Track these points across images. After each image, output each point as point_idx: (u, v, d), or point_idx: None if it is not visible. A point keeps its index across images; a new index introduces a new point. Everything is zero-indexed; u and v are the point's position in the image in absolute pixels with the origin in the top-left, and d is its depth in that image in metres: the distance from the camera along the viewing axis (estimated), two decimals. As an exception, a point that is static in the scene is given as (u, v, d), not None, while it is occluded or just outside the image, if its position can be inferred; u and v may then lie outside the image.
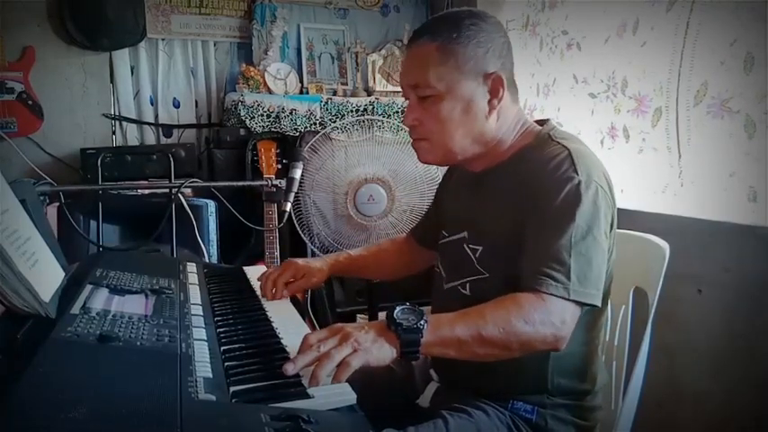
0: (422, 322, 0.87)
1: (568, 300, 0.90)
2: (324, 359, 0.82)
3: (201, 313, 1.07)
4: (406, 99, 1.09)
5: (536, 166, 1.00)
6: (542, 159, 1.00)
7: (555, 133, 1.06)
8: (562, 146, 1.01)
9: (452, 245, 1.13)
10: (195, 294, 1.18)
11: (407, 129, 1.10)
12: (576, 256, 0.91)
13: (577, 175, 0.95)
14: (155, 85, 2.73)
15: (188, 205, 2.12)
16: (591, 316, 1.04)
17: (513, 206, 1.01)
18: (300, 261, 1.32)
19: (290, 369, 0.82)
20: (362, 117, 2.51)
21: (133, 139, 2.70)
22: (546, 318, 0.89)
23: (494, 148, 1.07)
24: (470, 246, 1.08)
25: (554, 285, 0.90)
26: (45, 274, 0.93)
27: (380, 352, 0.86)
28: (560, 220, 0.93)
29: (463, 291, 1.08)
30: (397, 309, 0.90)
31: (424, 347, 0.87)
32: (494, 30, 1.04)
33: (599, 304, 0.94)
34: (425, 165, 2.19)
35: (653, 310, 1.11)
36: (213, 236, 2.28)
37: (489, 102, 1.04)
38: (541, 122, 1.12)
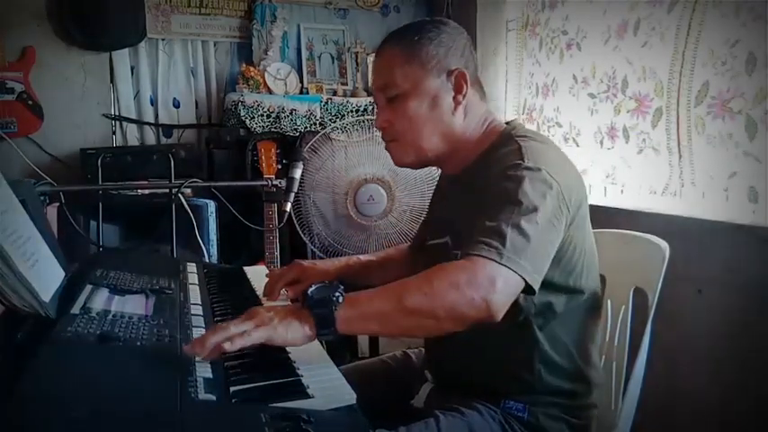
0: (336, 295, 0.85)
1: (500, 264, 0.85)
2: (219, 330, 0.82)
3: (201, 313, 1.07)
4: (377, 104, 1.13)
5: (493, 166, 1.01)
6: (498, 158, 1.02)
7: (516, 132, 1.07)
8: (516, 142, 1.02)
9: (434, 249, 1.14)
10: (195, 294, 1.18)
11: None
12: (513, 228, 0.88)
13: (523, 162, 0.95)
14: (155, 85, 2.72)
15: (188, 205, 2.12)
16: (579, 314, 1.05)
17: (479, 208, 1.00)
18: (307, 263, 1.31)
19: (186, 349, 0.81)
20: (362, 117, 2.50)
21: (133, 140, 2.70)
22: (472, 278, 0.84)
23: (463, 147, 1.09)
24: (453, 252, 1.07)
25: (485, 249, 0.86)
26: (45, 274, 0.93)
27: (287, 330, 0.84)
28: (502, 199, 0.93)
29: None
30: (313, 285, 0.89)
31: (341, 323, 0.85)
32: (455, 32, 1.10)
33: (534, 285, 0.89)
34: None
35: (653, 310, 1.11)
36: (213, 236, 2.28)
37: (454, 98, 1.07)
38: (510, 123, 1.14)
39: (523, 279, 0.87)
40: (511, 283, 0.87)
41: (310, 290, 0.88)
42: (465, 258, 0.87)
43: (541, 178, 0.94)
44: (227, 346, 0.79)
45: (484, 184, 1.00)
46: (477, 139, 1.10)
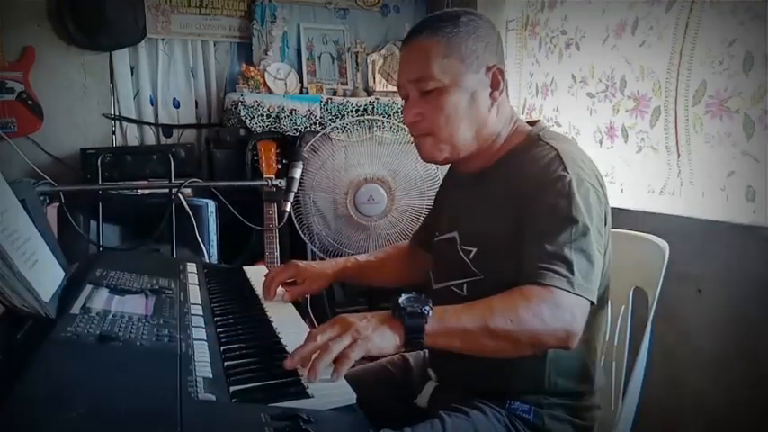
0: (426, 308, 0.86)
1: (574, 293, 0.89)
2: (322, 351, 0.82)
3: (201, 313, 1.07)
4: (403, 98, 1.09)
5: (527, 168, 1.01)
6: (532, 160, 1.01)
7: (544, 134, 1.07)
8: (550, 146, 1.02)
9: (443, 244, 1.13)
10: (195, 294, 1.18)
11: (407, 127, 1.10)
12: (576, 252, 0.91)
13: (568, 173, 0.96)
14: (155, 85, 2.72)
15: (188, 205, 2.12)
16: (590, 313, 1.04)
17: (506, 208, 1.01)
18: (303, 264, 1.30)
19: (288, 364, 0.82)
20: (362, 117, 2.51)
21: (133, 140, 2.70)
22: (556, 312, 0.87)
23: (489, 146, 1.08)
24: (464, 247, 1.08)
25: (558, 279, 0.89)
26: (45, 274, 0.93)
27: (382, 340, 0.85)
28: (557, 219, 0.93)
29: (459, 291, 1.08)
30: (403, 296, 0.89)
31: (428, 336, 0.86)
32: (489, 27, 1.08)
33: (595, 301, 0.93)
34: (425, 164, 2.20)
35: (653, 310, 1.11)
36: (213, 236, 2.28)
37: (491, 94, 1.05)
38: (533, 123, 1.13)
39: (591, 301, 0.91)
40: (585, 310, 0.91)
41: (401, 300, 0.88)
42: (540, 286, 0.89)
43: (586, 188, 0.96)
44: (335, 377, 0.81)
45: (512, 185, 1.01)
46: (504, 137, 1.09)
